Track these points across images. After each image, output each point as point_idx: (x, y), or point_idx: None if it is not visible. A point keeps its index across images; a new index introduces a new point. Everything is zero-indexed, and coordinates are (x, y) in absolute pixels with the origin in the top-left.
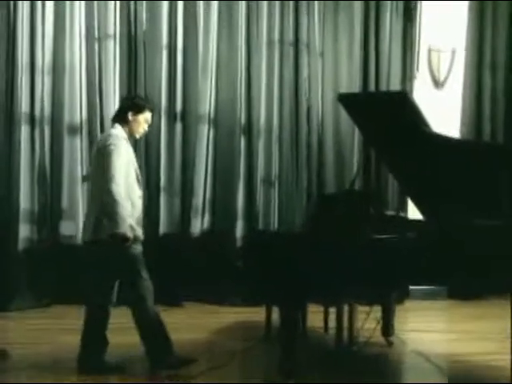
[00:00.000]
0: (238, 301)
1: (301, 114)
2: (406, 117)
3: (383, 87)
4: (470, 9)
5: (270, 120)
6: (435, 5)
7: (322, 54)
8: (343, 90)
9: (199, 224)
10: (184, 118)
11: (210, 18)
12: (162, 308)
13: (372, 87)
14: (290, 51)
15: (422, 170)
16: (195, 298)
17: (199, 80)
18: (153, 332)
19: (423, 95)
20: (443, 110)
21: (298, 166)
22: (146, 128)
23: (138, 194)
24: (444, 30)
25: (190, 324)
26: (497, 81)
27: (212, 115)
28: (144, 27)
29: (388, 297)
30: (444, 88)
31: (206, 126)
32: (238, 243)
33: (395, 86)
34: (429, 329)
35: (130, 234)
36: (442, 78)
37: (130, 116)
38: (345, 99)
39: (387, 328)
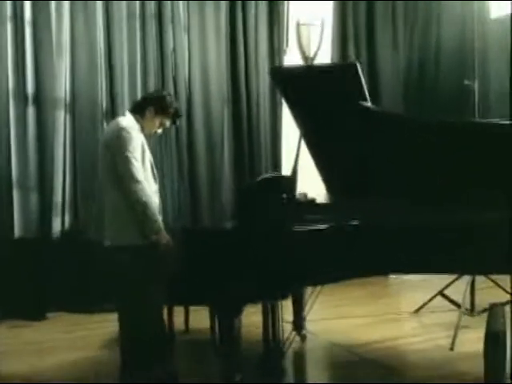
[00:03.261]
0: (111, 307)
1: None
2: (353, 93)
3: (252, 63)
4: None
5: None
6: None
7: (188, 29)
8: (211, 66)
9: (59, 224)
10: (37, 101)
11: None
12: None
13: (241, 63)
14: (152, 26)
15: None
16: (60, 307)
17: (54, 58)
18: None
19: None
20: None
21: (166, 147)
22: (159, 132)
23: (154, 188)
24: (313, 4)
25: (68, 340)
26: (360, 56)
27: (68, 99)
28: None
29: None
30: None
31: (63, 111)
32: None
33: (264, 61)
34: (330, 316)
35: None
36: (311, 53)
37: (148, 112)
38: (278, 74)
39: (299, 322)
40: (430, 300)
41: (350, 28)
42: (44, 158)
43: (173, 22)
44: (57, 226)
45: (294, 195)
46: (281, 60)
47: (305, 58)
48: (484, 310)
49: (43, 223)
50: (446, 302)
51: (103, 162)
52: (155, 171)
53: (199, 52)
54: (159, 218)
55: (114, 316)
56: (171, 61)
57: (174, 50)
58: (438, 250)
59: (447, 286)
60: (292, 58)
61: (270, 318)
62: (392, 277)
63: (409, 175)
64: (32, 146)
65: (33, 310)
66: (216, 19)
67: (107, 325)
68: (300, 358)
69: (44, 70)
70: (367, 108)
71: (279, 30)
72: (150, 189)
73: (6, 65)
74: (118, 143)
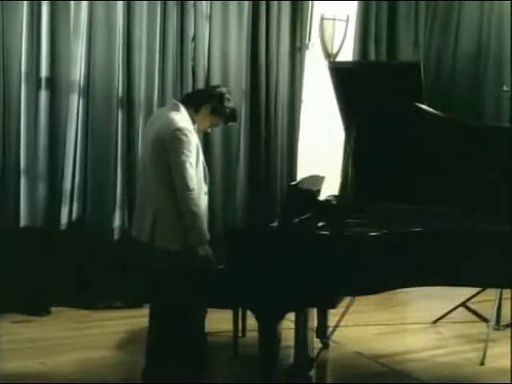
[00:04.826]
0: (117, 302)
1: (186, 82)
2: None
3: (273, 56)
4: None
5: (151, 90)
6: None
7: (210, 17)
8: (231, 57)
9: (67, 214)
10: (51, 85)
11: None
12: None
13: (262, 56)
14: (173, 12)
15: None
16: (62, 302)
17: (71, 40)
18: None
19: (314, 67)
20: None
21: None
22: (209, 131)
23: (204, 190)
24: (338, 2)
25: (78, 337)
26: (380, 54)
27: (83, 83)
28: None
29: None
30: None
31: (76, 96)
32: (116, 236)
33: (285, 55)
34: (344, 323)
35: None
36: (334, 50)
37: (204, 109)
38: (336, 69)
39: (323, 329)
40: (452, 311)
41: (371, 26)
42: (55, 145)
43: (195, 8)
44: (65, 216)
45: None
46: (303, 55)
47: (327, 54)
48: (509, 325)
49: (51, 212)
50: (464, 314)
51: (151, 158)
52: (207, 172)
53: (220, 42)
54: (205, 229)
55: (121, 313)
56: (191, 49)
57: (195, 37)
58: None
59: (472, 297)
60: (314, 55)
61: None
62: None
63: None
64: (43, 133)
65: (37, 305)
66: (239, 9)
67: (117, 323)
68: (329, 367)
69: (60, 52)
70: (428, 111)
71: (302, 24)
72: (200, 191)
73: (20, 46)
74: (174, 146)
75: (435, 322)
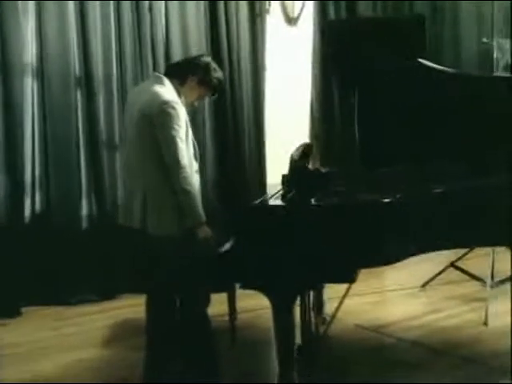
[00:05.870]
0: (91, 295)
1: (145, 56)
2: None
3: (233, 24)
4: None
5: (109, 66)
6: None
7: None
8: (191, 26)
9: (30, 206)
10: (3, 69)
11: None
12: None
13: (221, 23)
14: None
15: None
16: (33, 301)
17: (20, 19)
18: None
19: (275, 32)
20: (295, 48)
21: None
22: (195, 105)
23: (195, 168)
24: None
25: (58, 338)
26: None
27: (36, 64)
28: None
29: None
30: (297, 25)
31: (30, 79)
32: (84, 225)
33: (244, 22)
34: (333, 295)
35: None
36: (295, 14)
37: (190, 80)
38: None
39: (319, 305)
40: (440, 273)
41: None
42: (12, 132)
43: None
44: (28, 208)
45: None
46: (263, 21)
47: (288, 19)
48: (503, 281)
49: (12, 206)
50: (450, 274)
51: (137, 138)
52: (197, 147)
53: (178, 12)
54: (201, 209)
55: (97, 307)
56: (148, 20)
57: (151, 8)
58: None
59: (460, 257)
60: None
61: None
62: None
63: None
64: None
65: (5, 306)
66: None
67: (95, 318)
68: (337, 344)
69: (9, 32)
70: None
71: None
72: (191, 169)
73: None
74: (163, 120)
75: (424, 285)
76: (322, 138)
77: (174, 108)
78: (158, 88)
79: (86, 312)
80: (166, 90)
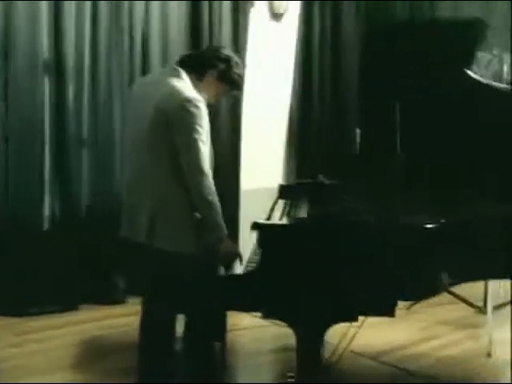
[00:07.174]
0: (52, 305)
1: (121, 45)
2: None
3: (215, 18)
4: None
5: (81, 53)
6: None
7: None
8: (171, 18)
9: None
10: None
11: None
12: None
13: (205, 17)
14: None
15: None
16: None
17: None
18: None
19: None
20: (280, 43)
21: (114, 115)
22: (213, 102)
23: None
24: None
25: (18, 358)
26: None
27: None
28: None
29: None
30: (282, 20)
31: None
32: (46, 226)
33: (227, 16)
34: None
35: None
36: (281, 10)
37: (209, 75)
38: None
39: None
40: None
41: None
42: None
43: None
44: None
45: None
46: (246, 15)
47: (273, 14)
48: (498, 307)
49: None
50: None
51: (149, 138)
52: (212, 152)
53: (158, 2)
54: (223, 222)
55: (58, 320)
56: (126, 10)
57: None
58: None
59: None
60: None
61: None
62: None
63: None
64: None
65: None
66: None
67: (59, 333)
68: (338, 372)
69: None
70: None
71: None
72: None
73: None
74: (184, 120)
75: (410, 307)
76: (299, 138)
77: (197, 107)
78: (176, 82)
79: (47, 326)
80: (186, 86)
